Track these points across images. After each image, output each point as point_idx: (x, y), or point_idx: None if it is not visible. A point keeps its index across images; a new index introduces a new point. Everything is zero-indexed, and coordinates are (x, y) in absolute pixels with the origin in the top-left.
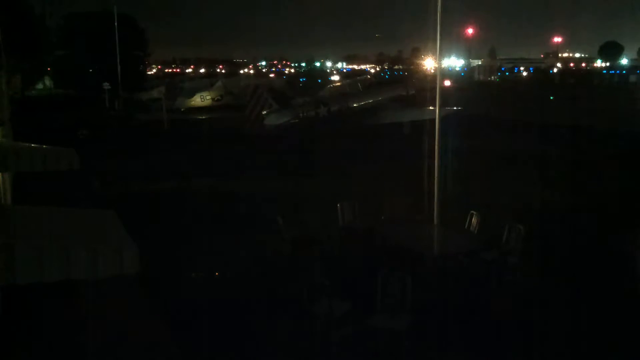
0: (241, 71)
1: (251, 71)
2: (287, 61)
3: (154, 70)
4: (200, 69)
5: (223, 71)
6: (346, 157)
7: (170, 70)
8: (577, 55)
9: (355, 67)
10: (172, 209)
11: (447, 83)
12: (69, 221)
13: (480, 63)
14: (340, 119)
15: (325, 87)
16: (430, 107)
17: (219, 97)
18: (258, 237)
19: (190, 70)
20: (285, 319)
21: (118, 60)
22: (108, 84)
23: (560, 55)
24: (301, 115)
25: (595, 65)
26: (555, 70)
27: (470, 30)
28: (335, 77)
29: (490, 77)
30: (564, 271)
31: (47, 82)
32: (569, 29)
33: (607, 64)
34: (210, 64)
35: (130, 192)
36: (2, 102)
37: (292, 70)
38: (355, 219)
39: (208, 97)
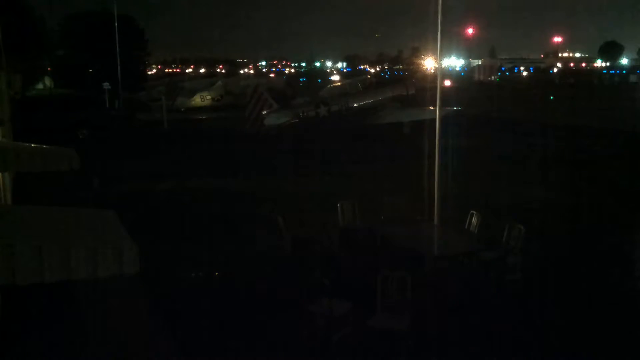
0: (241, 71)
1: (251, 71)
2: (287, 61)
3: (154, 70)
4: (200, 69)
5: (223, 71)
6: (346, 157)
7: (170, 70)
8: (577, 55)
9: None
10: (172, 209)
11: (447, 83)
12: (69, 221)
13: (480, 63)
14: (340, 119)
15: (325, 87)
16: (430, 107)
17: (219, 97)
18: (258, 237)
19: (190, 70)
20: (285, 319)
21: (118, 60)
22: (108, 84)
23: (560, 55)
24: (301, 115)
25: (595, 65)
26: (555, 70)
27: (470, 30)
28: (336, 77)
29: (490, 77)
30: (564, 271)
31: (47, 82)
32: (569, 29)
33: (607, 63)
34: (211, 64)
35: (130, 191)
36: (2, 102)
37: (292, 70)
38: (355, 219)
39: (208, 97)
